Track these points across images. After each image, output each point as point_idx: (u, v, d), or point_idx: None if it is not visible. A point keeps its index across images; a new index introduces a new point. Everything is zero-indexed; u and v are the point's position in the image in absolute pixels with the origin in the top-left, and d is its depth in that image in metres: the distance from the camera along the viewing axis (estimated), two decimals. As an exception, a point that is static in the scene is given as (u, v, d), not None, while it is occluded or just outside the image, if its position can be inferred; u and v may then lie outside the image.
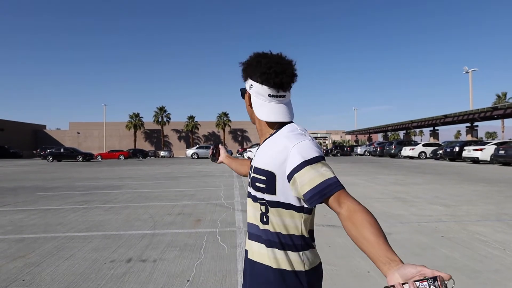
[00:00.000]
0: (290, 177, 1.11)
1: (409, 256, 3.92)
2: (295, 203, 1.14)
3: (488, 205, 7.05)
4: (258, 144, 46.11)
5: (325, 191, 1.06)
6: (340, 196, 1.05)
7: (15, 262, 3.84)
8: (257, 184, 1.19)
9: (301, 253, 1.15)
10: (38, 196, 9.24)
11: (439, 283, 0.82)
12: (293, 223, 1.15)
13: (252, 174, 1.23)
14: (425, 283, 0.82)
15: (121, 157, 42.29)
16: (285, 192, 1.14)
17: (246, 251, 1.26)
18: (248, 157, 39.67)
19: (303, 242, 1.16)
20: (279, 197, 1.15)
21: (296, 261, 1.14)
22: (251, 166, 1.26)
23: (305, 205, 1.15)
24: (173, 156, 53.26)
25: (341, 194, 1.06)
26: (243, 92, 1.33)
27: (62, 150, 37.22)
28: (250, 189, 1.25)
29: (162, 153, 52.47)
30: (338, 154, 44.97)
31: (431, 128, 40.48)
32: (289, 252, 1.14)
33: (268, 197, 1.16)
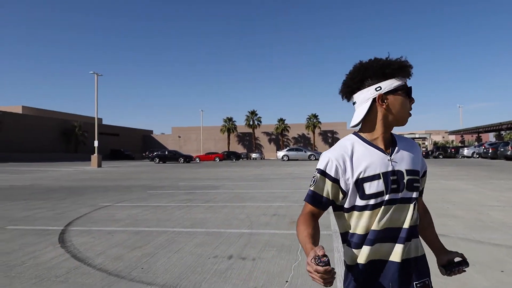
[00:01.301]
0: (423, 174, 1.36)
1: (539, 275, 3.37)
2: None
3: None
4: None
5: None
6: None
7: (135, 252, 4.36)
8: (414, 184, 1.27)
9: None
10: (149, 194, 10.36)
11: None
12: None
13: (408, 177, 1.26)
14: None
15: (217, 159, 44.89)
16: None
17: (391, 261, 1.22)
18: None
19: None
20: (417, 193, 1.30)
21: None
22: (397, 171, 1.24)
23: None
24: (264, 158, 54.71)
25: None
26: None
27: (166, 152, 41.16)
28: (402, 193, 1.24)
29: (253, 155, 54.29)
30: (440, 156, 40.99)
31: (561, 125, 34.27)
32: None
33: (416, 194, 1.28)
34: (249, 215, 6.65)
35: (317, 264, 0.97)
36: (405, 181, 1.23)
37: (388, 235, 1.21)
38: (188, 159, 39.81)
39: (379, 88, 1.23)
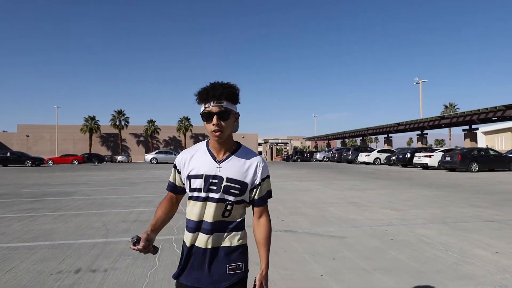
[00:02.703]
0: (255, 187, 1.58)
1: (360, 259, 4.07)
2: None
3: (434, 209, 7.50)
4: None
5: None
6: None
7: None
8: (231, 190, 1.52)
9: (246, 230, 1.60)
10: (-21, 203, 8.56)
11: None
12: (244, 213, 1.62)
13: (227, 183, 1.52)
14: None
15: (75, 162, 40.31)
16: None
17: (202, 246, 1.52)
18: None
19: (244, 224, 1.61)
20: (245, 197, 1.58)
21: (245, 236, 1.59)
22: (219, 176, 1.52)
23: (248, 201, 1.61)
24: (131, 161, 51.62)
25: None
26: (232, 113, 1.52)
27: (8, 154, 34.73)
28: (219, 194, 1.52)
29: (119, 158, 50.72)
30: (298, 160, 45.81)
31: (386, 135, 42.42)
32: (245, 231, 1.59)
33: (232, 198, 1.53)
34: (106, 223, 6.15)
35: (130, 242, 1.41)
36: (222, 185, 1.51)
37: (205, 226, 1.51)
38: (38, 162, 34.48)
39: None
